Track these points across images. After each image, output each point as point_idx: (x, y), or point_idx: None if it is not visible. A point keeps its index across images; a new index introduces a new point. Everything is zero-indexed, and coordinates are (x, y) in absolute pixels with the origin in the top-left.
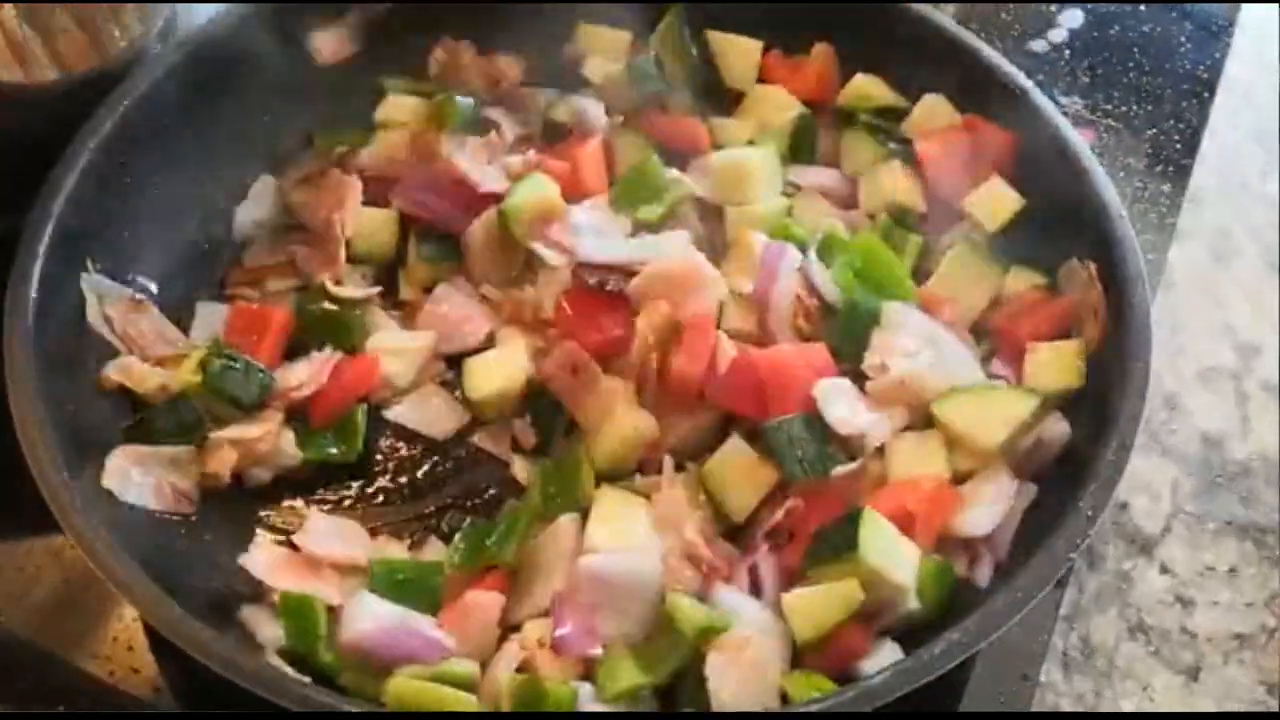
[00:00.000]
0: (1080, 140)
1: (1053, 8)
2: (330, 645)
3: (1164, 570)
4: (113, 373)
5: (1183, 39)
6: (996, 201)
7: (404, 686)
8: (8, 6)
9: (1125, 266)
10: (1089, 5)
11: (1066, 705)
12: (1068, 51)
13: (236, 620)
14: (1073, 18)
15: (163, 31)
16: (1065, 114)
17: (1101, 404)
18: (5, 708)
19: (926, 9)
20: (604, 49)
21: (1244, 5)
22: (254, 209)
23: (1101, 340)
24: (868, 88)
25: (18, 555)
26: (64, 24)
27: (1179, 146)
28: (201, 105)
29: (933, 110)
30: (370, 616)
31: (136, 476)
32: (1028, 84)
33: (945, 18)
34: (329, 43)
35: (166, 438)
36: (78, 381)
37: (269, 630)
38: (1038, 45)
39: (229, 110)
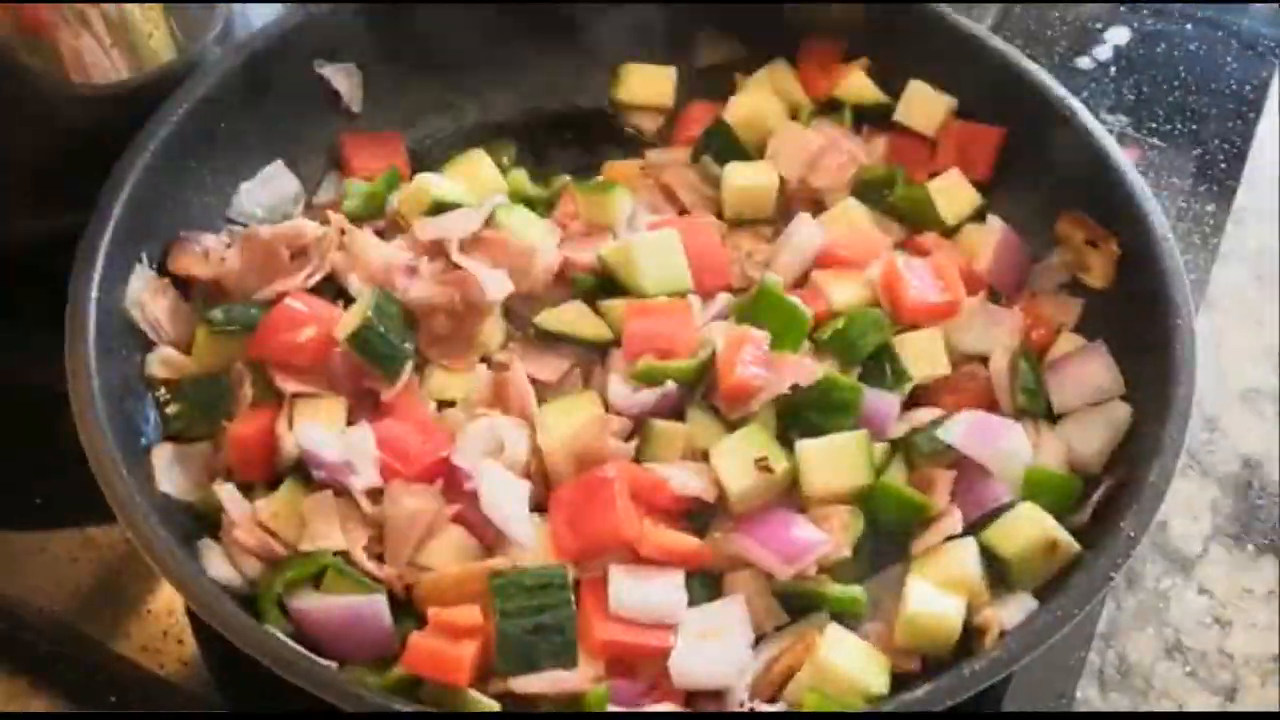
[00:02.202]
0: (1127, 161)
1: (1099, 25)
2: None
3: (1202, 591)
4: (154, 367)
5: (1229, 58)
6: (957, 196)
7: None
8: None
9: (1171, 292)
10: (1135, 23)
11: None
12: (1113, 69)
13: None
14: (1119, 35)
15: (220, 35)
16: (1111, 132)
17: (1145, 427)
18: (55, 700)
19: (974, 26)
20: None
21: None
22: (260, 192)
23: (1116, 273)
24: (859, 84)
25: (69, 545)
26: (128, 27)
27: (1224, 166)
28: (257, 107)
29: (923, 96)
30: None
31: (176, 471)
32: (1076, 104)
33: (991, 34)
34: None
35: (201, 416)
36: (136, 375)
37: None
38: (1083, 62)
39: (285, 112)
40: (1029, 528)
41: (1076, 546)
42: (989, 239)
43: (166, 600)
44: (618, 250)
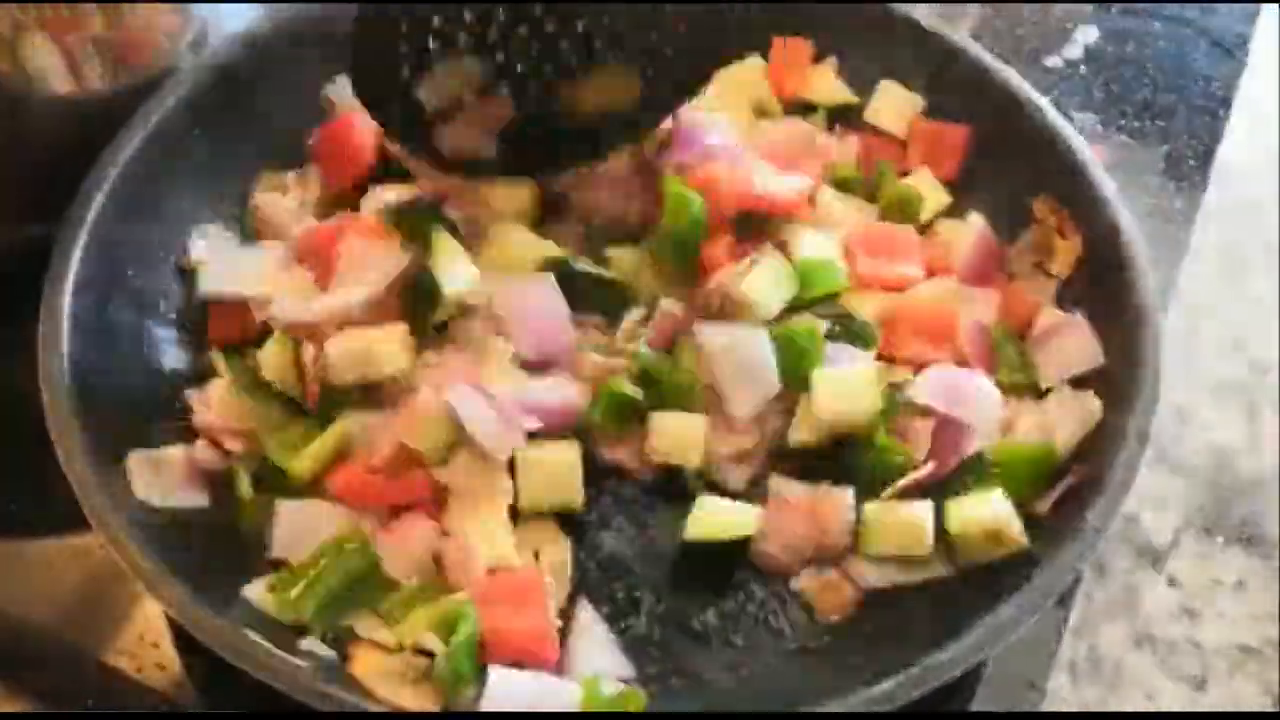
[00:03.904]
0: (1094, 159)
1: (1068, 24)
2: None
3: (1172, 583)
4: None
5: (1198, 55)
6: (928, 195)
7: None
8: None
9: (1137, 289)
10: (1104, 21)
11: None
12: (1083, 68)
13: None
14: (1088, 34)
15: (194, 43)
16: (1080, 130)
17: (1111, 420)
18: (34, 705)
19: (942, 26)
20: None
21: (1260, 22)
22: None
23: (1076, 265)
24: (828, 84)
25: (46, 552)
26: (100, 35)
27: (1193, 163)
28: (231, 117)
29: (892, 96)
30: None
31: (151, 477)
32: (1043, 102)
33: (957, 33)
34: None
35: None
36: (108, 384)
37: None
38: (1053, 61)
39: (258, 122)
40: (980, 509)
41: (1022, 542)
42: (967, 235)
43: (145, 606)
44: None
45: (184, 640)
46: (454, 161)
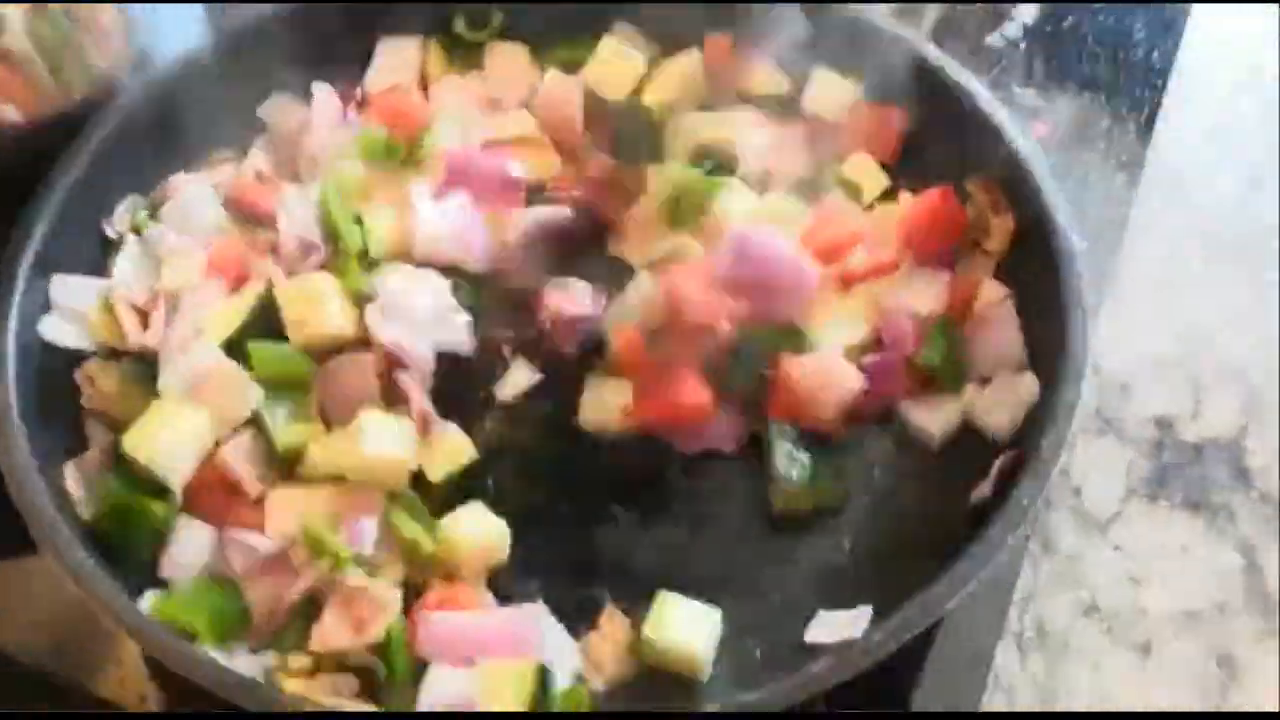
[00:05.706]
0: (1027, 140)
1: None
2: None
3: (1117, 550)
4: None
5: (1138, 28)
6: (867, 179)
7: None
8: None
9: (1065, 272)
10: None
11: (1020, 685)
12: (1023, 45)
13: None
14: (1027, 11)
15: (136, 65)
16: (1021, 106)
17: (1042, 399)
18: None
19: (873, 12)
20: None
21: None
22: None
23: (1011, 242)
24: (767, 76)
25: (27, 577)
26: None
27: (1133, 137)
28: (173, 140)
29: (828, 83)
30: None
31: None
32: (976, 85)
33: (890, 19)
34: None
35: None
36: (62, 415)
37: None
38: (993, 39)
39: (201, 145)
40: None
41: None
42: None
43: None
44: None
45: (162, 676)
46: None
